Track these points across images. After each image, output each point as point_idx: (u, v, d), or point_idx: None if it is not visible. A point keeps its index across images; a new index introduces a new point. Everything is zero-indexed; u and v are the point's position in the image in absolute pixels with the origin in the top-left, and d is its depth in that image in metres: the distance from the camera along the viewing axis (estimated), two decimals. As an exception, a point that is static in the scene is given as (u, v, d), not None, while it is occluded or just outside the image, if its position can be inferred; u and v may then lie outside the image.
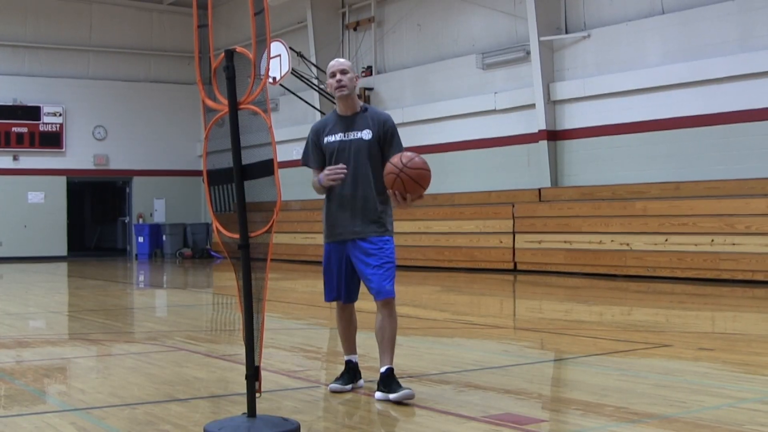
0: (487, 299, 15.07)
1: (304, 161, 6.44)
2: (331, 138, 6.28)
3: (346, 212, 6.19)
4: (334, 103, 6.41)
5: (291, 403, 6.03)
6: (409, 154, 6.04)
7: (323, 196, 6.35)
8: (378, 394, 6.05)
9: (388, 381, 5.99)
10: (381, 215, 6.23)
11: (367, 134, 6.23)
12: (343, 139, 6.24)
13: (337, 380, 6.33)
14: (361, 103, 6.38)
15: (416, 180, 5.90)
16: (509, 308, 13.95)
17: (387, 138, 6.28)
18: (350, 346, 6.44)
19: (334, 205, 6.24)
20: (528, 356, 8.51)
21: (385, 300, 6.11)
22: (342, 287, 6.29)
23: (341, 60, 6.37)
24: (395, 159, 6.00)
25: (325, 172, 6.18)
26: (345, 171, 6.14)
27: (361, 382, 6.42)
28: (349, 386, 6.31)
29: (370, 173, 6.21)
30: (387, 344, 6.13)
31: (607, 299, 14.27)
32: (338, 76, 6.22)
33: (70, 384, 7.27)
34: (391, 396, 5.90)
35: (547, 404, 6.19)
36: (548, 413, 5.89)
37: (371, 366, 6.78)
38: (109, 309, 14.02)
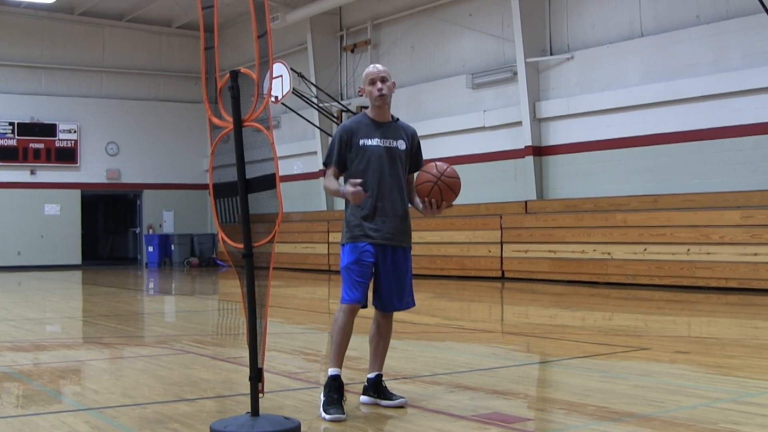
0: (477, 305, 15.06)
1: (328, 159, 5.90)
2: (369, 141, 5.84)
3: (390, 216, 5.79)
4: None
5: (292, 402, 6.03)
6: (440, 163, 5.85)
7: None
8: (366, 399, 5.94)
9: (379, 387, 5.92)
10: (410, 225, 5.97)
11: (402, 144, 5.92)
12: (381, 144, 5.85)
13: (334, 407, 5.52)
14: (391, 113, 6.07)
15: (452, 188, 5.74)
16: (497, 314, 13.94)
17: (414, 151, 6.02)
18: (342, 358, 5.79)
19: (373, 209, 5.76)
20: (515, 359, 8.50)
21: (393, 312, 5.98)
22: (367, 289, 5.78)
23: (380, 67, 6.00)
24: (430, 168, 5.79)
25: (350, 189, 5.55)
26: (366, 195, 5.62)
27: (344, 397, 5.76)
28: (345, 412, 5.55)
29: (404, 183, 5.92)
30: (383, 351, 6.00)
31: (590, 305, 14.26)
32: (379, 85, 5.90)
33: (84, 385, 7.25)
34: (388, 402, 5.83)
35: (533, 404, 6.19)
36: (534, 412, 5.89)
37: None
38: (121, 314, 14.00)
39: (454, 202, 5.90)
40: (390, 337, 6.04)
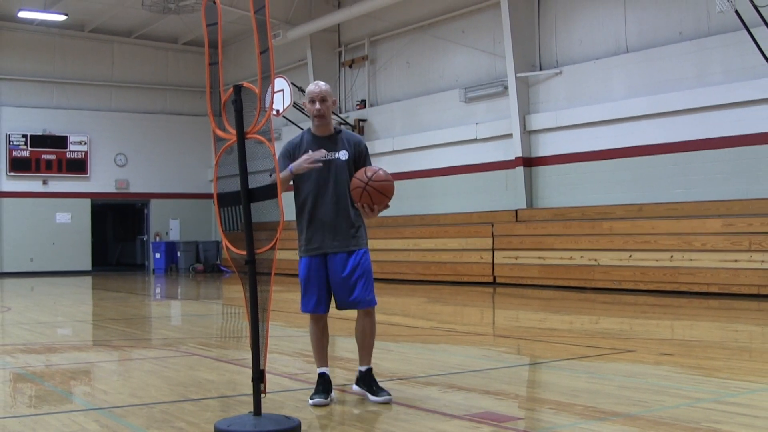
0: (469, 309, 15.04)
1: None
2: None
3: (325, 228, 5.92)
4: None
5: (293, 402, 6.02)
6: (372, 167, 5.89)
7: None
8: (356, 388, 6.12)
9: (368, 380, 6.02)
10: (359, 229, 6.02)
11: (343, 155, 5.96)
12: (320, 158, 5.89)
13: (318, 395, 5.90)
14: (335, 124, 6.15)
15: (382, 192, 5.76)
16: (489, 317, 13.93)
17: (361, 158, 6.03)
18: (324, 357, 6.08)
19: (314, 221, 5.95)
20: (506, 360, 8.50)
21: (369, 309, 6.03)
22: (322, 298, 5.97)
23: (322, 86, 5.99)
24: (360, 174, 5.82)
25: (304, 157, 5.77)
26: (323, 159, 5.80)
27: (333, 394, 6.05)
28: (329, 399, 5.93)
29: (347, 191, 5.92)
30: (368, 346, 6.07)
31: (577, 309, 14.26)
32: (318, 105, 5.92)
33: (94, 385, 7.24)
34: (375, 398, 5.90)
35: (523, 404, 6.18)
36: (524, 412, 5.88)
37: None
38: (129, 318, 13.98)
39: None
40: (373, 332, 6.10)
